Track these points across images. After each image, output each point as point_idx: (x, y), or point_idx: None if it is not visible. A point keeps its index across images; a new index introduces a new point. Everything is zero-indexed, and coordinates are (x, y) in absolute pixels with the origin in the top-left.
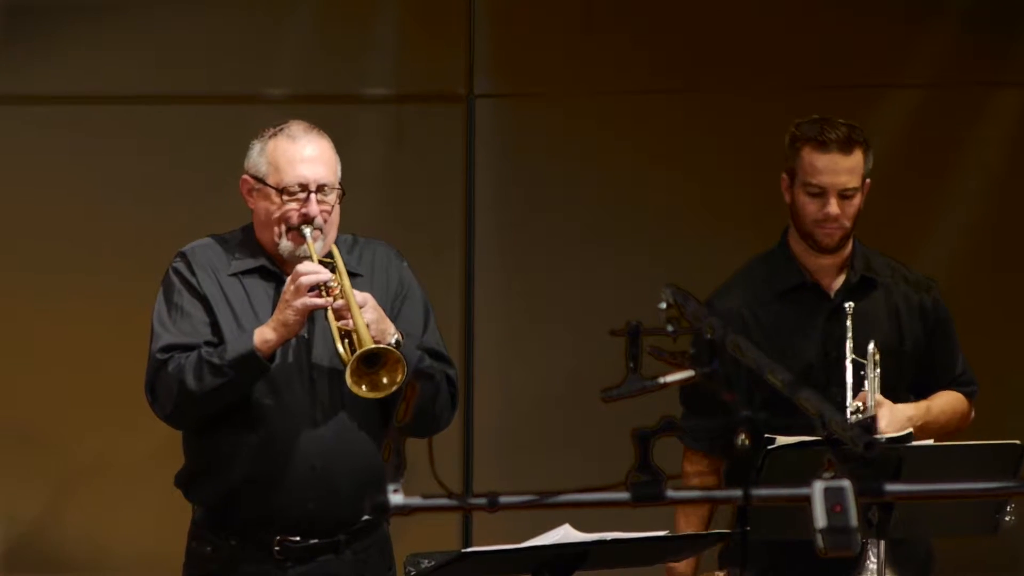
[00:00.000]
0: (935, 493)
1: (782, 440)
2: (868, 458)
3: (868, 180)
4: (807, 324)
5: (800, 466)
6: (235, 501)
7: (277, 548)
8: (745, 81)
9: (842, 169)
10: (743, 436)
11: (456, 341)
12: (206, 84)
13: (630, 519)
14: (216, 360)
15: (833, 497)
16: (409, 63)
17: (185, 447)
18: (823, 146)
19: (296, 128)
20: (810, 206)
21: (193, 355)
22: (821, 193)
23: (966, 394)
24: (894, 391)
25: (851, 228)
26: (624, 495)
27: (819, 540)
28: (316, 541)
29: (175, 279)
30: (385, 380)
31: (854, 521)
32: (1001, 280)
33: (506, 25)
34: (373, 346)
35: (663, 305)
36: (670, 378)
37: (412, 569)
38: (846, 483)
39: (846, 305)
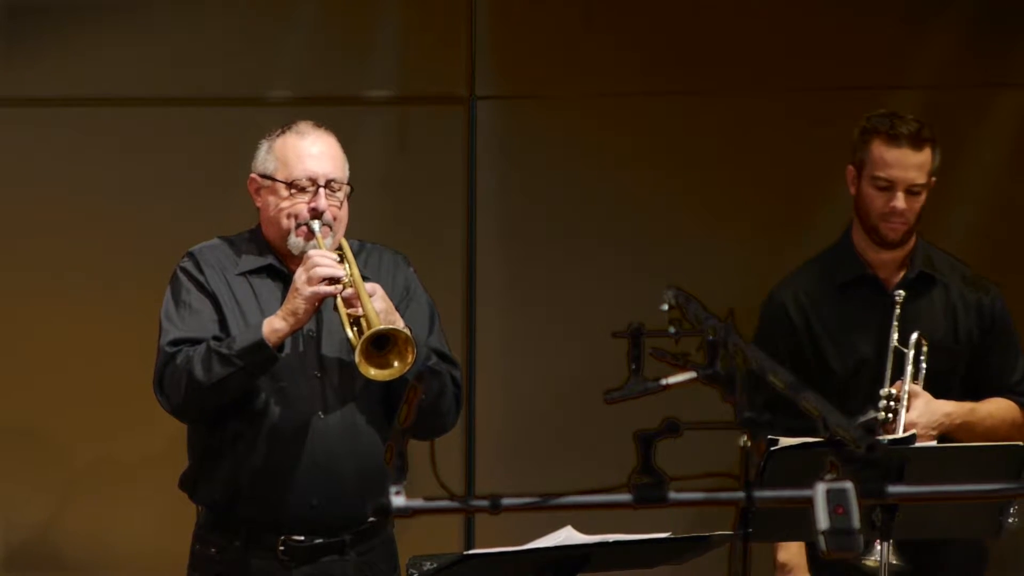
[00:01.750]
0: (939, 495)
1: (785, 441)
2: (870, 459)
3: (934, 179)
4: (865, 318)
5: (803, 468)
6: (240, 499)
7: (282, 548)
8: (746, 83)
9: (911, 164)
10: (744, 438)
11: (458, 343)
12: (208, 86)
13: (632, 521)
14: (224, 350)
15: (835, 499)
16: (411, 65)
17: (190, 445)
18: (894, 140)
19: (304, 126)
20: (877, 200)
21: (201, 347)
22: (889, 187)
23: (1021, 404)
24: (946, 389)
25: (915, 224)
26: (626, 497)
27: (821, 542)
28: (321, 541)
29: (183, 277)
30: (396, 363)
31: (856, 523)
32: (1003, 281)
33: (507, 27)
34: (383, 327)
35: (665, 307)
36: (672, 380)
37: (414, 571)
38: (848, 485)
39: (896, 293)
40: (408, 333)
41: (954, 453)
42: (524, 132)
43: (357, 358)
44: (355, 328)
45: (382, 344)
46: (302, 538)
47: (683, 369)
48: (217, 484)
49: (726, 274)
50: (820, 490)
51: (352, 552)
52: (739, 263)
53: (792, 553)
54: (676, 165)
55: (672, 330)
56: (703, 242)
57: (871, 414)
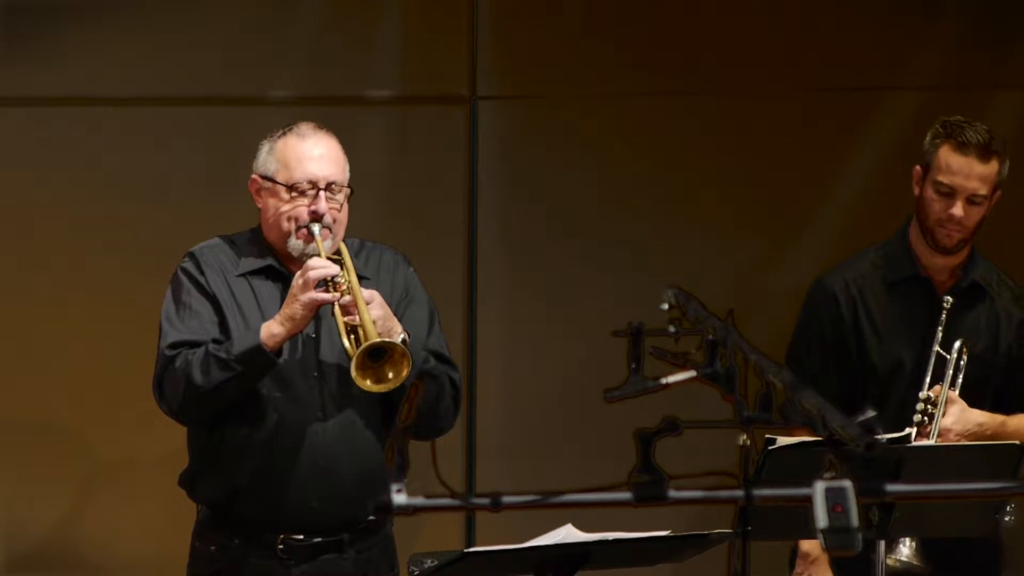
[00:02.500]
0: (935, 493)
1: (783, 440)
2: (868, 458)
3: (999, 192)
4: (911, 319)
5: (801, 466)
6: (239, 499)
7: (281, 547)
8: (746, 83)
9: (975, 175)
10: (744, 436)
11: (459, 342)
12: (209, 86)
13: (632, 519)
14: (223, 355)
15: (834, 497)
16: (412, 65)
17: (190, 445)
18: (962, 147)
19: (305, 127)
20: (936, 204)
21: (200, 350)
22: (950, 193)
23: None
24: (979, 400)
25: (971, 234)
26: (626, 495)
27: (821, 540)
28: (320, 540)
29: (184, 278)
30: (390, 375)
31: (855, 521)
32: None
33: (509, 27)
34: (378, 340)
35: (665, 306)
36: (672, 379)
37: (415, 569)
38: (847, 483)
39: (945, 299)
40: (404, 347)
41: (950, 452)
42: (525, 132)
43: (353, 371)
44: (352, 337)
45: (378, 355)
46: (301, 537)
47: (683, 368)
48: (216, 485)
49: (726, 274)
50: (819, 488)
51: (351, 551)
52: (739, 263)
53: (815, 543)
54: (676, 165)
55: (672, 329)
56: (703, 242)
57: (869, 413)
